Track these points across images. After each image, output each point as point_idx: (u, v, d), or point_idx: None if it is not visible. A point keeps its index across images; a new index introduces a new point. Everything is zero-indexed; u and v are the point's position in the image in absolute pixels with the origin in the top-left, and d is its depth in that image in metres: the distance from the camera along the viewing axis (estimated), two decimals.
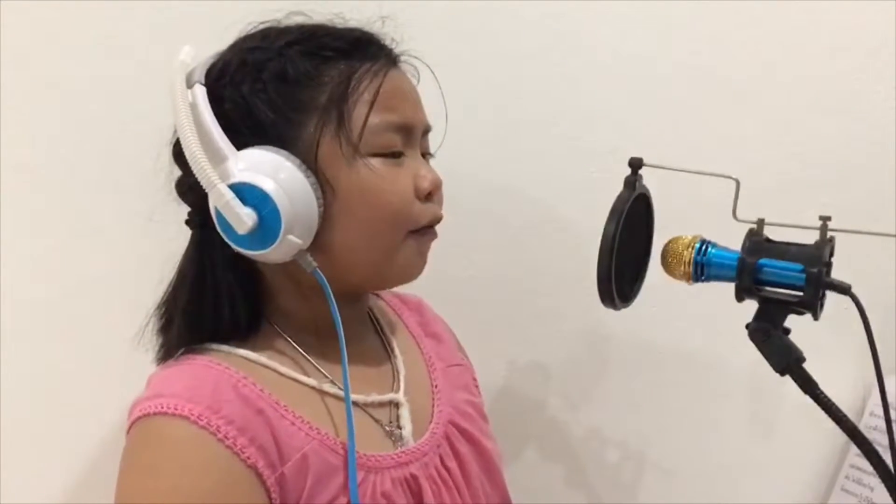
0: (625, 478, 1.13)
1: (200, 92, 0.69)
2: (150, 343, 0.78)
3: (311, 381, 0.75)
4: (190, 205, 0.75)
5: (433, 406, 0.83)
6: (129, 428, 0.68)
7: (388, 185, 0.73)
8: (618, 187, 0.77)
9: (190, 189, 0.73)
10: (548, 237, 1.09)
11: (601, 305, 0.76)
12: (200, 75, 0.71)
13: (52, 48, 1.02)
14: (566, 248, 1.08)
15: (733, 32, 1.03)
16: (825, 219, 0.72)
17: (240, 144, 0.69)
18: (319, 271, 0.70)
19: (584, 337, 1.11)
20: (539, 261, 1.10)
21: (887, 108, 1.01)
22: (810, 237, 0.72)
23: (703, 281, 0.76)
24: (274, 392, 0.71)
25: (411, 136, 0.76)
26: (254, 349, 0.74)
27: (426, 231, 0.77)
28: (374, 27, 0.77)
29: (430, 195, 0.76)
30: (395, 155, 0.74)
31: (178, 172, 0.76)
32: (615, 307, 0.77)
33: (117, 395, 1.04)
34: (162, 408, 0.66)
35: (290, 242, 0.68)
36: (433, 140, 0.81)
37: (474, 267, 1.09)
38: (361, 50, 0.74)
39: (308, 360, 0.76)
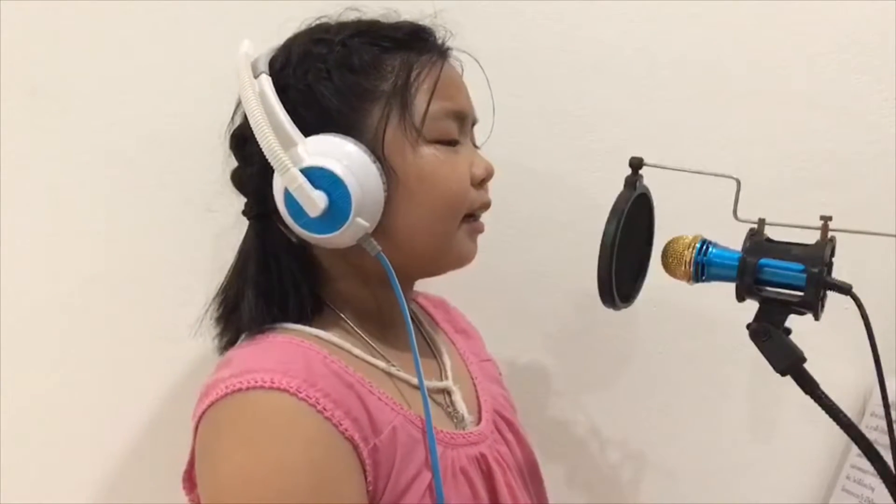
0: (625, 478, 1.13)
1: (267, 81, 0.71)
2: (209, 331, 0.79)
3: (380, 363, 0.76)
4: (247, 195, 0.77)
5: (478, 396, 0.86)
6: (208, 408, 0.67)
7: (449, 171, 0.75)
8: (618, 187, 0.77)
9: (250, 179, 0.76)
10: (548, 237, 1.09)
11: (602, 305, 0.76)
12: (265, 65, 0.72)
13: (53, 47, 1.02)
14: (566, 248, 1.07)
15: (733, 32, 1.03)
16: (826, 219, 0.72)
17: (305, 132, 0.70)
18: (383, 255, 0.72)
19: (584, 337, 1.11)
20: (539, 261, 1.10)
21: (887, 108, 1.01)
22: (811, 237, 0.72)
23: (703, 281, 0.76)
24: (357, 370, 0.72)
25: (465, 124, 0.79)
26: (322, 329, 0.75)
27: (476, 218, 0.80)
28: (427, 21, 0.80)
29: (483, 182, 0.79)
30: (451, 143, 0.76)
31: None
32: (615, 307, 0.77)
33: (118, 398, 1.05)
34: (256, 382, 0.65)
35: (357, 225, 0.70)
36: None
37: (474, 266, 1.09)
38: (417, 41, 0.77)
39: (369, 343, 0.77)
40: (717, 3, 1.03)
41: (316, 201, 0.68)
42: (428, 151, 0.74)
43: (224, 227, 1.01)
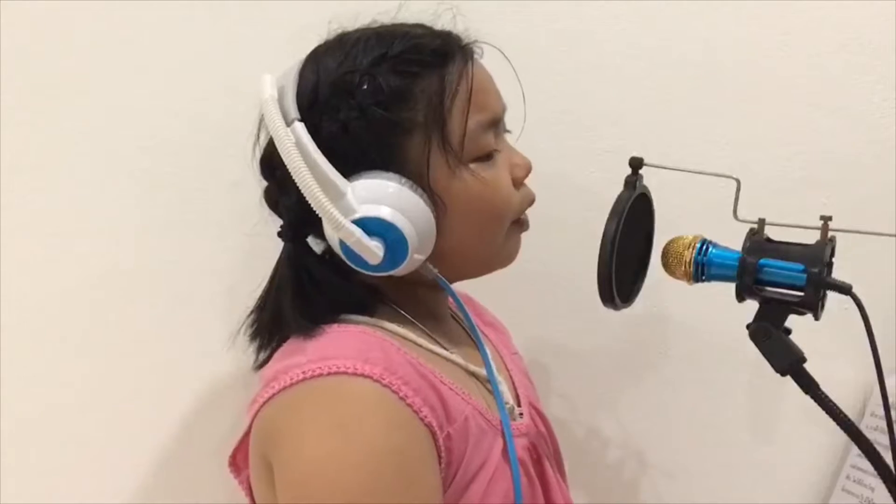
0: (625, 478, 1.13)
1: (302, 129, 0.69)
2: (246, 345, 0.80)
3: (443, 352, 0.77)
4: (283, 219, 0.77)
5: (515, 388, 0.86)
6: (279, 392, 0.67)
7: (493, 189, 0.75)
8: (618, 187, 0.77)
9: (286, 208, 0.75)
10: (547, 237, 1.08)
11: (602, 305, 0.76)
12: (294, 108, 0.70)
13: (55, 47, 1.02)
14: (566, 248, 1.07)
15: (733, 32, 1.03)
16: (825, 219, 0.72)
17: (345, 171, 0.69)
18: (442, 277, 0.74)
19: (584, 337, 1.11)
20: (539, 261, 1.09)
21: (887, 108, 1.01)
22: (811, 237, 0.72)
23: (703, 281, 0.76)
24: (427, 362, 0.73)
25: (499, 127, 0.79)
26: (382, 320, 0.75)
27: (523, 221, 0.80)
28: (444, 17, 0.79)
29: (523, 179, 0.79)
30: (490, 156, 0.75)
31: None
32: (616, 307, 0.77)
33: (122, 399, 1.05)
34: (338, 368, 0.65)
35: (415, 260, 0.71)
36: None
37: None
38: (443, 54, 0.74)
39: (428, 334, 0.78)
40: (717, 3, 1.03)
41: (374, 251, 0.68)
42: (469, 173, 0.74)
43: (227, 228, 1.02)
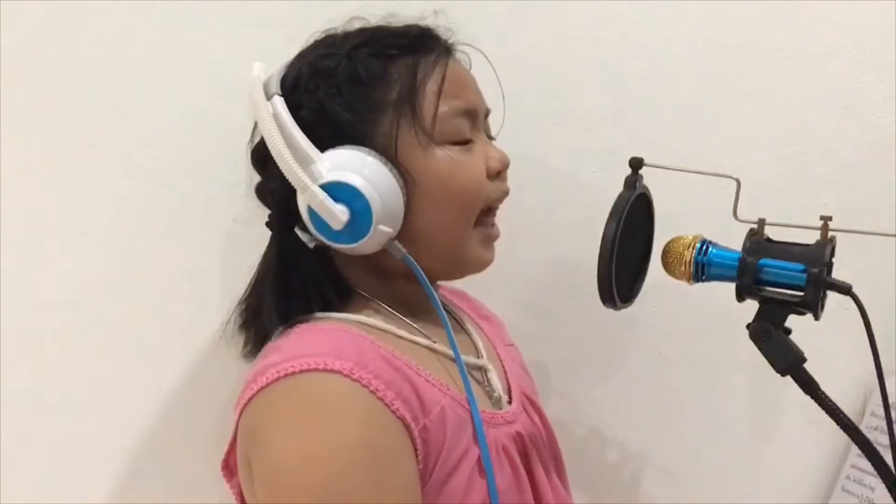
0: (625, 478, 1.13)
1: (280, 102, 0.73)
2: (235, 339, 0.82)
3: (423, 341, 0.78)
4: (270, 208, 0.80)
5: (506, 377, 0.87)
6: (257, 393, 0.68)
7: (464, 170, 0.77)
8: (618, 187, 0.77)
9: (271, 194, 0.79)
10: (547, 237, 1.09)
11: (601, 306, 0.76)
12: (277, 87, 0.74)
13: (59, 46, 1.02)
14: (566, 248, 1.07)
15: (734, 32, 1.03)
16: (825, 219, 0.72)
17: (321, 147, 0.73)
18: (409, 257, 0.74)
19: (584, 337, 1.10)
20: (539, 261, 1.09)
21: (887, 108, 1.01)
22: (811, 237, 0.72)
23: (703, 281, 0.76)
24: (403, 354, 0.73)
25: (476, 120, 0.80)
26: (360, 314, 0.77)
27: (492, 217, 0.82)
28: (428, 20, 0.81)
29: (499, 173, 0.81)
30: (465, 142, 0.78)
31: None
32: (615, 307, 0.77)
33: (122, 399, 1.05)
34: (310, 365, 0.66)
35: (381, 233, 0.73)
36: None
37: None
38: (421, 44, 0.78)
39: (409, 324, 0.79)
40: (717, 3, 1.03)
41: (338, 215, 0.70)
42: (441, 153, 0.75)
43: (227, 228, 1.02)
